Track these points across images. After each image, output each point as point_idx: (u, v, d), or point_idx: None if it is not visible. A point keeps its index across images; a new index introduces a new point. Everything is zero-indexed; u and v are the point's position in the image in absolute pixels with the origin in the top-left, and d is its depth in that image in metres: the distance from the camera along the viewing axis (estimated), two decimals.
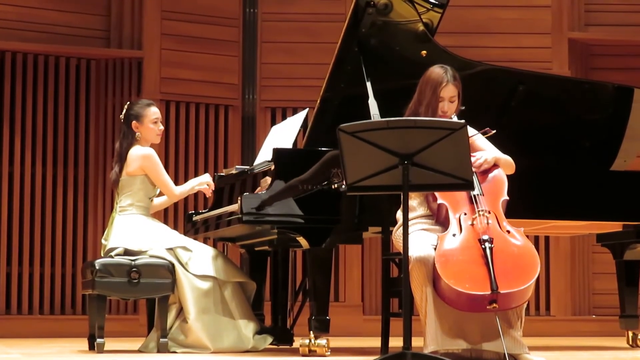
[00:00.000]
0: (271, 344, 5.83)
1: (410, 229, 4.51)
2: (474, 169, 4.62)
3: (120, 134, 5.99)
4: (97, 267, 5.57)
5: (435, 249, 4.52)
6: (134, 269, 5.58)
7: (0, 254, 8.39)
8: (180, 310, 5.69)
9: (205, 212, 6.19)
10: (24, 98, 8.57)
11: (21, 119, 8.56)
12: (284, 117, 8.56)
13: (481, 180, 4.77)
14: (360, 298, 8.99)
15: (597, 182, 6.02)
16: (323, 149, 5.37)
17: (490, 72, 6.08)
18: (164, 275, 5.61)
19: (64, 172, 8.66)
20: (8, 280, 8.43)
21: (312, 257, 5.36)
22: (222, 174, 6.30)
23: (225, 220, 5.68)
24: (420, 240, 4.59)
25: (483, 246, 4.45)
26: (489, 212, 4.62)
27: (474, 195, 4.67)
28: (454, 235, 4.56)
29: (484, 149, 4.93)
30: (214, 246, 6.20)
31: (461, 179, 4.29)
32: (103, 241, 5.88)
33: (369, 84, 5.51)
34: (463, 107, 4.94)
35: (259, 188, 5.45)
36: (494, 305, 4.33)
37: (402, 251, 4.29)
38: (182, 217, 8.30)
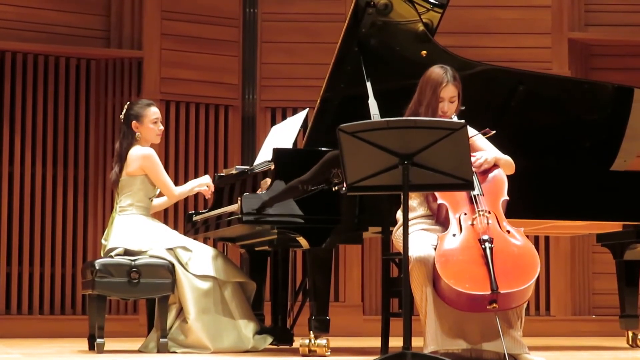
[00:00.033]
0: (271, 344, 5.83)
1: (410, 229, 4.51)
2: (474, 169, 4.62)
3: (120, 134, 5.99)
4: (97, 267, 5.57)
5: (435, 249, 4.52)
6: (134, 269, 5.58)
7: (0, 254, 8.39)
8: (180, 311, 5.69)
9: (205, 212, 6.19)
10: (24, 98, 8.57)
11: (21, 119, 8.56)
12: (284, 117, 8.56)
13: (481, 180, 4.77)
14: (360, 298, 8.99)
15: (597, 182, 6.02)
16: (323, 149, 5.37)
17: (490, 72, 6.08)
18: (164, 275, 5.61)
19: (64, 172, 8.66)
20: (8, 280, 8.43)
21: (312, 257, 5.36)
22: (222, 174, 6.30)
23: (226, 220, 5.68)
24: (420, 240, 4.59)
25: (483, 246, 4.45)
26: (489, 212, 4.62)
27: (474, 195, 4.67)
28: (454, 235, 4.56)
29: (484, 149, 4.93)
30: (214, 246, 6.20)
31: (461, 179, 4.29)
32: (103, 241, 5.88)
33: (369, 84, 5.51)
34: (463, 107, 4.94)
35: (259, 189, 5.44)
36: (494, 305, 4.33)
37: (402, 251, 4.29)
38: (182, 217, 8.30)
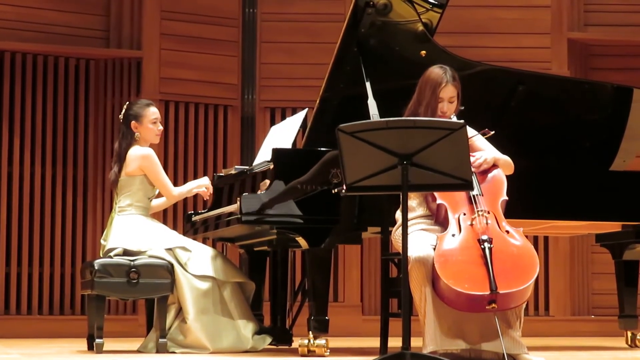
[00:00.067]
0: (270, 344, 5.83)
1: (409, 229, 4.51)
2: (473, 169, 4.62)
3: (119, 134, 5.98)
4: (96, 268, 5.57)
5: (434, 249, 4.52)
6: (133, 269, 5.57)
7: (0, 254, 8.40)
8: (180, 311, 5.69)
9: (204, 213, 6.19)
10: (23, 98, 8.57)
11: (20, 119, 8.56)
12: (283, 117, 8.56)
13: (480, 180, 4.77)
14: (360, 298, 8.98)
15: (596, 182, 6.02)
16: (322, 149, 5.37)
17: (490, 72, 6.08)
18: (163, 275, 5.61)
19: (63, 172, 8.65)
20: (7, 280, 8.42)
21: (311, 257, 5.36)
22: (221, 174, 6.30)
23: (225, 221, 5.68)
24: (420, 240, 4.59)
25: (482, 246, 4.45)
26: (488, 212, 4.62)
27: (473, 196, 4.67)
28: (453, 235, 4.56)
29: (483, 149, 4.93)
30: (213, 246, 6.19)
31: (460, 179, 4.29)
32: (102, 241, 5.88)
33: (368, 84, 5.51)
34: (462, 108, 4.94)
35: (258, 191, 5.44)
36: (493, 305, 4.33)
37: (401, 251, 4.28)
38: (181, 217, 8.30)
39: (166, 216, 8.47)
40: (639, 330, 6.40)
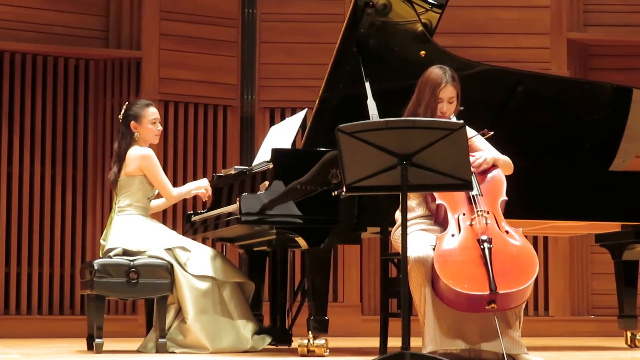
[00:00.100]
0: (270, 344, 5.83)
1: (409, 230, 4.51)
2: (472, 169, 4.62)
3: (118, 134, 5.98)
4: (95, 268, 5.57)
5: (434, 249, 4.52)
6: (133, 269, 5.57)
7: None
8: (179, 311, 5.69)
9: (204, 213, 6.19)
10: (23, 98, 8.57)
11: (20, 119, 8.56)
12: (282, 118, 8.56)
13: (480, 180, 4.77)
14: (359, 298, 8.98)
15: (595, 182, 6.02)
16: (322, 149, 5.37)
17: (489, 72, 6.08)
18: (163, 275, 5.61)
19: (63, 172, 8.65)
20: (7, 280, 8.42)
21: (311, 257, 5.36)
22: (220, 174, 6.30)
23: (224, 221, 5.68)
24: (419, 240, 4.59)
25: (482, 246, 4.45)
26: (488, 213, 4.62)
27: (473, 196, 4.67)
28: (452, 235, 4.56)
29: (482, 150, 4.93)
30: (213, 246, 6.20)
31: (460, 179, 4.29)
32: (102, 241, 5.88)
33: (367, 84, 5.51)
34: (462, 108, 4.94)
35: (258, 191, 5.44)
36: (493, 305, 4.33)
37: (400, 251, 4.29)
38: (180, 217, 8.30)
39: (166, 216, 8.47)
40: (639, 331, 6.40)
